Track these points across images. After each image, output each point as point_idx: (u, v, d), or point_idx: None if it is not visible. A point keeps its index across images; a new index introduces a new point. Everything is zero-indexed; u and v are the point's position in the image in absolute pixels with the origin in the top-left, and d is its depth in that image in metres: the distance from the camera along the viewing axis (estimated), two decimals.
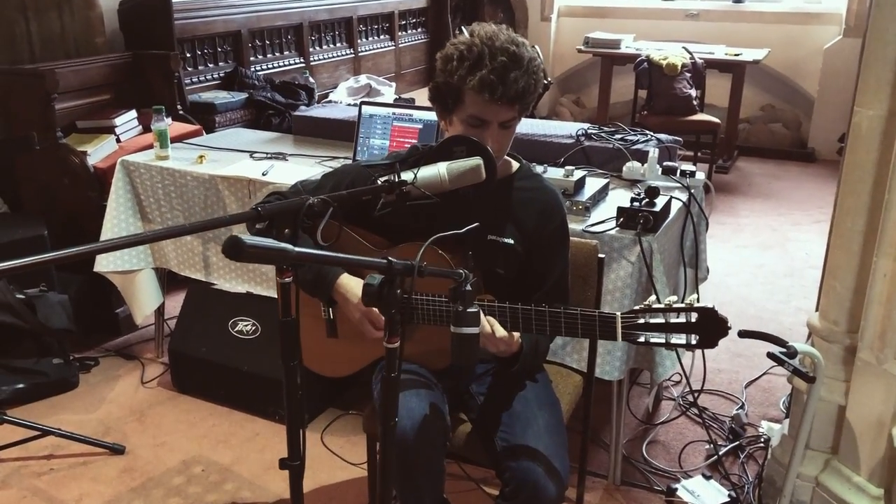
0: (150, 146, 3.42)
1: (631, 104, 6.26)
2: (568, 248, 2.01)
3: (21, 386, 3.01)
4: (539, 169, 2.51)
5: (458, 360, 1.54)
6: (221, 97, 4.27)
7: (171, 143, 3.18)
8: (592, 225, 2.41)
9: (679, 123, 5.64)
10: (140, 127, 3.76)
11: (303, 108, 3.92)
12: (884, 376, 2.02)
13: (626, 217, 2.36)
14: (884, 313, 2.00)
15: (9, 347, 3.05)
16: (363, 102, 3.07)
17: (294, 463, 1.50)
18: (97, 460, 2.71)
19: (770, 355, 1.77)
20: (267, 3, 4.88)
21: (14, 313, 2.97)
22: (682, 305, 1.60)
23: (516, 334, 1.69)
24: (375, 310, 1.81)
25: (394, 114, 2.98)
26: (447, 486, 1.94)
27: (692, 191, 2.70)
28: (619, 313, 1.65)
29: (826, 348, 2.18)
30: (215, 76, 4.53)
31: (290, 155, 3.17)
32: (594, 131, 3.11)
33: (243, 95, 4.38)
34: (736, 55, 6.11)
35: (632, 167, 2.82)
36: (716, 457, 2.68)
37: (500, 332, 1.68)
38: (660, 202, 2.41)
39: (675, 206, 2.57)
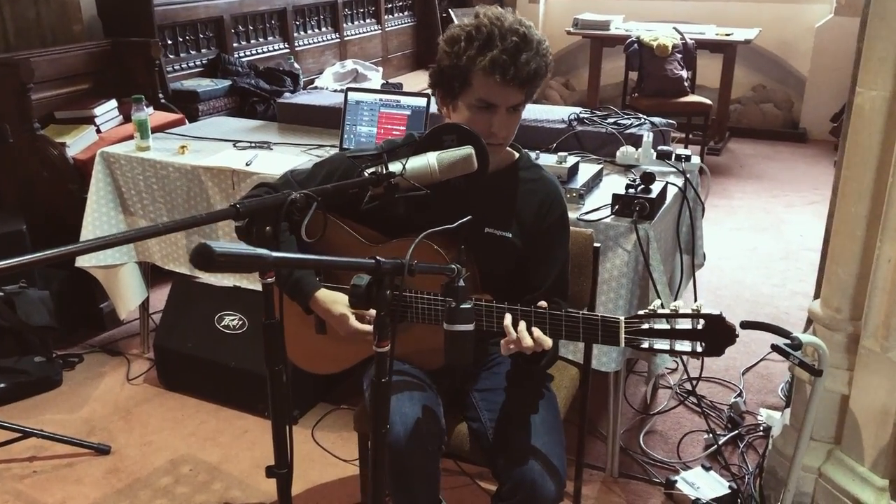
0: (132, 136, 3.34)
1: (621, 86, 6.18)
2: (568, 241, 1.94)
3: (2, 386, 2.93)
4: (532, 155, 2.43)
5: (451, 359, 1.48)
6: (204, 85, 4.17)
7: (154, 132, 3.09)
8: (587, 213, 2.35)
9: (670, 105, 5.57)
10: (121, 117, 3.66)
11: (287, 94, 3.83)
12: (889, 365, 1.97)
13: (621, 204, 2.30)
14: (888, 300, 1.94)
15: None
16: (349, 89, 2.99)
17: (281, 471, 1.43)
18: (82, 461, 2.64)
19: (775, 348, 1.72)
20: None
21: None
22: (689, 311, 1.53)
23: (548, 340, 1.61)
24: (350, 316, 1.76)
25: (381, 100, 2.90)
26: (441, 482, 1.88)
27: (688, 175, 2.64)
28: (622, 318, 1.58)
29: (828, 336, 2.12)
30: (198, 63, 4.42)
31: (275, 143, 3.09)
32: (586, 115, 3.03)
33: (227, 83, 4.28)
34: (727, 35, 6.04)
35: (626, 152, 2.75)
36: (715, 447, 2.63)
37: (528, 341, 1.59)
38: (655, 188, 2.35)
39: (672, 192, 2.50)
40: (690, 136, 6.00)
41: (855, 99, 1.99)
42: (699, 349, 1.54)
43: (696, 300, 2.64)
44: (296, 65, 4.96)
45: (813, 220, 4.86)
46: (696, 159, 2.73)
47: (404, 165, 1.54)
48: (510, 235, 1.85)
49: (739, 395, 2.95)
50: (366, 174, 1.53)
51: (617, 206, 2.30)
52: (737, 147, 6.54)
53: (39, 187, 3.38)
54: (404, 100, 2.87)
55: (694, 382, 2.85)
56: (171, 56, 4.27)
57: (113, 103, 3.65)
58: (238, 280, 2.95)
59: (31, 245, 3.19)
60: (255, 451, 2.68)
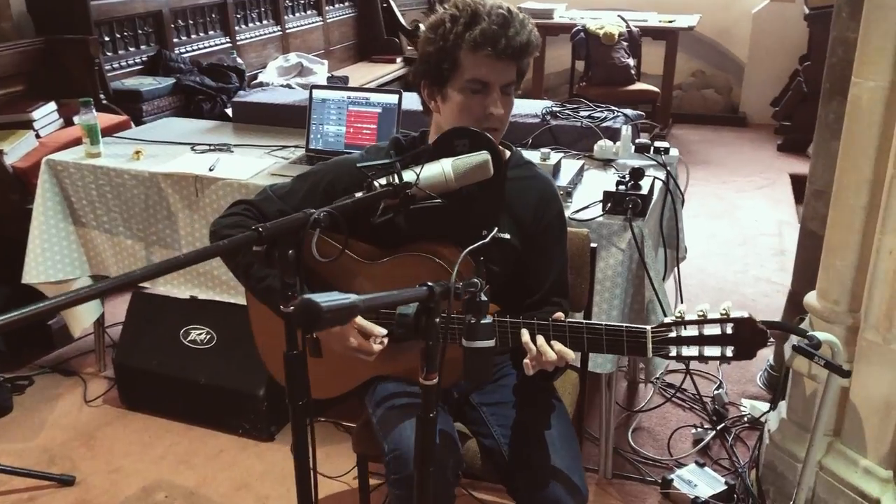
0: (75, 141, 3.14)
1: (564, 75, 6.16)
2: (566, 239, 1.87)
3: None
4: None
5: (471, 378, 1.39)
6: (147, 83, 3.95)
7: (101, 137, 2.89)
8: (577, 211, 2.28)
9: (619, 94, 5.57)
10: (61, 120, 3.42)
11: (241, 93, 3.65)
12: (892, 357, 1.96)
13: (613, 202, 2.24)
14: (890, 292, 1.93)
15: None
16: (314, 86, 2.85)
17: None
18: (44, 495, 2.45)
19: (798, 350, 1.68)
20: None
21: None
22: (718, 316, 1.47)
23: (570, 352, 1.53)
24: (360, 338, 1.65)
25: (349, 98, 2.77)
26: None
27: (668, 168, 2.60)
28: (649, 327, 1.51)
29: (826, 329, 2.10)
30: (137, 61, 4.19)
31: (235, 145, 2.93)
32: (558, 109, 2.97)
33: (170, 81, 4.06)
34: (670, 22, 6.08)
35: (603, 146, 2.70)
36: (704, 442, 2.62)
37: (551, 356, 1.51)
38: (645, 184, 2.30)
39: (656, 186, 2.46)
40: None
41: (851, 90, 1.97)
42: (729, 354, 1.49)
43: (679, 295, 2.63)
44: (238, 59, 4.76)
45: (764, 205, 4.93)
46: (674, 151, 2.69)
47: (418, 174, 1.43)
48: (508, 237, 1.77)
49: (720, 386, 2.94)
50: (376, 185, 1.42)
51: (609, 204, 2.24)
52: (681, 133, 6.60)
53: None
54: (374, 97, 2.75)
55: (684, 377, 2.82)
56: (109, 53, 4.02)
57: (52, 106, 3.41)
58: (194, 290, 2.79)
59: None
60: (233, 471, 2.54)
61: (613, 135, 2.79)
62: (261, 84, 4.79)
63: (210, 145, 2.91)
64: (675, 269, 2.67)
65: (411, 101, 2.89)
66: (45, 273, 2.83)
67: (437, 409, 1.18)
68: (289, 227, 1.14)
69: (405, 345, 1.75)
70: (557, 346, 1.51)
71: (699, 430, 2.68)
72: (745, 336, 1.47)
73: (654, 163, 2.62)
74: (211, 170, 2.64)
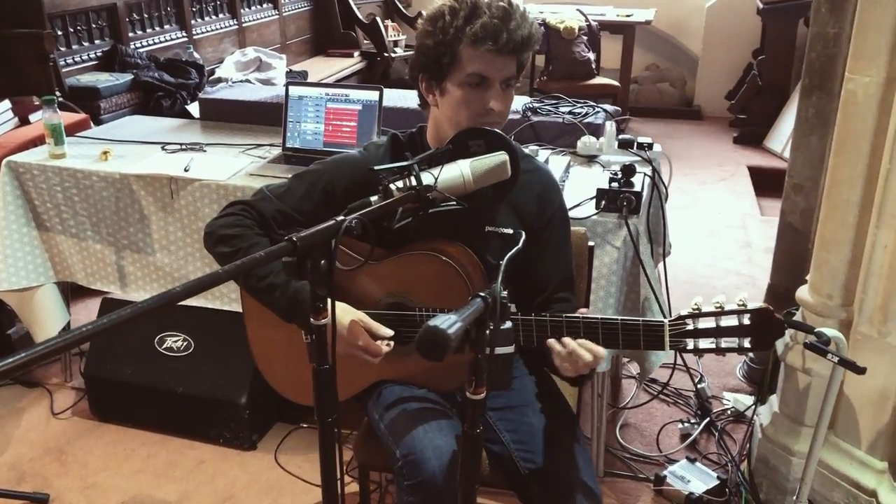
0: (33, 141, 3.00)
1: (526, 69, 6.14)
2: (570, 232, 1.84)
3: None
4: None
5: (491, 386, 1.34)
6: (104, 80, 3.80)
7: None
8: (569, 209, 2.25)
9: (580, 88, 5.56)
10: (16, 119, 3.26)
11: (207, 90, 3.53)
12: (887, 350, 1.98)
13: (607, 199, 2.22)
14: (885, 285, 1.95)
15: None
16: (289, 83, 2.76)
17: None
18: None
19: (811, 347, 1.68)
20: None
21: None
22: (735, 307, 1.47)
23: (602, 350, 1.50)
24: (361, 328, 1.60)
25: (327, 94, 2.69)
26: None
27: (653, 163, 2.59)
28: (666, 320, 1.50)
29: (819, 323, 2.11)
30: (92, 56, 4.02)
31: (208, 144, 2.83)
32: (538, 104, 2.94)
33: (128, 77, 3.91)
34: (627, 16, 6.11)
35: (587, 142, 2.68)
36: (693, 437, 2.63)
37: (587, 357, 1.47)
38: (637, 181, 2.28)
39: (646, 183, 2.45)
40: None
41: (846, 85, 1.98)
42: (747, 345, 1.49)
43: (666, 290, 2.63)
44: (196, 54, 4.62)
45: (727, 197, 4.99)
46: (657, 146, 2.69)
47: (436, 177, 1.38)
48: (511, 232, 1.74)
49: (702, 380, 2.95)
50: (393, 188, 1.36)
51: (603, 202, 2.22)
52: (638, 127, 6.64)
53: None
54: (353, 93, 2.68)
55: (671, 373, 2.81)
56: (63, 48, 3.85)
57: (6, 104, 3.24)
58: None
59: None
60: (216, 483, 2.46)
61: (595, 130, 2.77)
62: (219, 80, 4.66)
63: (182, 144, 2.80)
64: (662, 264, 2.67)
65: (392, 97, 2.86)
66: (8, 280, 2.69)
67: (477, 424, 1.13)
68: (322, 236, 1.07)
69: (409, 347, 1.70)
70: (588, 344, 1.48)
71: (686, 424, 2.69)
72: (763, 327, 1.47)
73: (638, 158, 2.61)
74: (186, 170, 2.54)
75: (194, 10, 4.85)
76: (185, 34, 4.74)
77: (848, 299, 2.08)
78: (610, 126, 2.67)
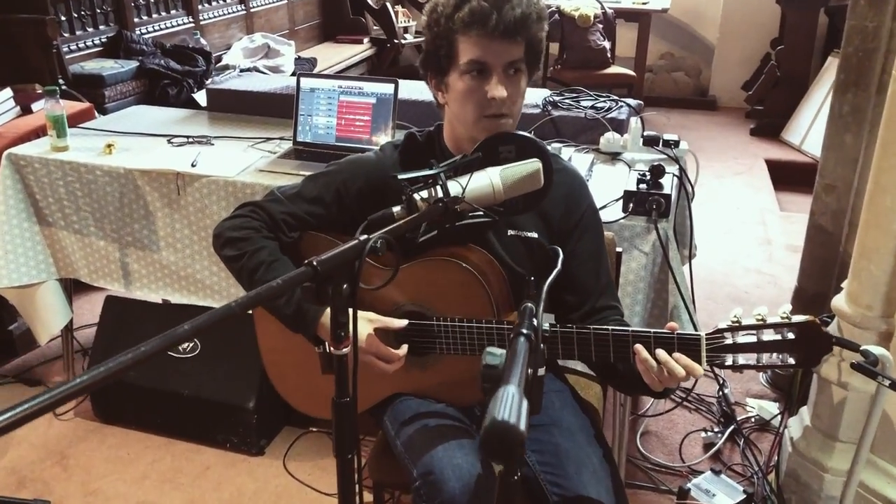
0: (35, 131, 2.91)
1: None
2: (603, 235, 1.74)
3: None
4: None
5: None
6: (109, 67, 3.69)
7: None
8: None
9: (595, 77, 5.45)
10: (18, 108, 3.15)
11: (215, 79, 3.43)
12: None
13: (635, 202, 2.11)
14: None
15: None
16: (301, 74, 2.65)
17: None
18: None
19: (858, 368, 1.58)
20: None
21: None
22: (778, 321, 1.36)
23: (698, 367, 1.39)
24: (378, 341, 1.51)
25: (340, 87, 2.58)
26: None
27: (680, 161, 2.49)
28: (703, 333, 1.40)
29: (857, 335, 2.02)
30: (96, 42, 3.91)
31: (215, 137, 2.72)
32: (558, 98, 2.82)
33: (133, 64, 3.81)
34: (643, 3, 5.97)
35: (611, 139, 2.57)
36: (716, 447, 2.53)
37: (679, 371, 1.36)
38: (666, 182, 2.17)
39: (674, 183, 2.34)
40: None
41: (891, 86, 1.86)
42: (791, 361, 1.38)
43: (692, 294, 2.53)
44: (202, 41, 4.51)
45: (745, 192, 4.87)
46: (684, 144, 2.58)
47: (464, 187, 1.28)
48: (536, 235, 1.64)
49: (724, 385, 2.85)
50: (417, 199, 1.26)
51: (630, 204, 2.11)
52: (652, 117, 6.50)
53: None
54: (367, 86, 2.57)
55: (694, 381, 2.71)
56: (66, 34, 3.74)
57: (7, 93, 3.14)
58: (174, 294, 2.60)
59: None
60: (222, 491, 2.37)
61: (618, 126, 2.66)
62: (226, 67, 4.55)
63: (188, 137, 2.70)
64: (687, 267, 2.56)
65: (408, 90, 2.75)
66: (9, 277, 2.60)
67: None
68: (344, 259, 0.97)
69: (427, 359, 1.61)
70: (685, 360, 1.37)
71: (710, 433, 2.59)
72: (809, 342, 1.37)
73: (663, 156, 2.50)
74: (193, 165, 2.43)
75: None
76: (191, 20, 4.62)
77: (889, 311, 1.98)
78: (635, 122, 2.56)
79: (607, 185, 2.30)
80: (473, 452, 1.51)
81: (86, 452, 2.53)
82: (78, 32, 3.82)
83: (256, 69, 4.64)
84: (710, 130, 6.15)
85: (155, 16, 4.35)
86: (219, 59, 4.64)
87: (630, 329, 1.44)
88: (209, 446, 2.54)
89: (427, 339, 1.58)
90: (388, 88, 2.53)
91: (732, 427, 2.62)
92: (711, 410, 2.75)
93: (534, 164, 1.33)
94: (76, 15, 3.80)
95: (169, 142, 2.67)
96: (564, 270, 1.60)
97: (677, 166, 2.44)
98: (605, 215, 2.13)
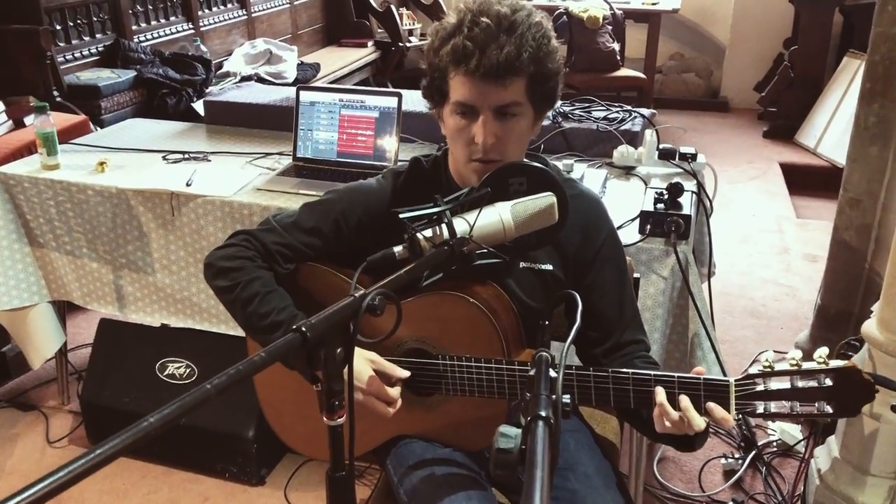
0: (27, 147, 2.81)
1: None
2: (626, 263, 1.62)
3: None
4: None
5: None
6: (105, 77, 3.59)
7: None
8: None
9: (604, 80, 5.34)
10: (10, 122, 3.06)
11: (213, 90, 3.33)
12: None
13: (652, 223, 1.99)
14: None
15: None
16: (300, 87, 2.55)
17: None
18: None
19: None
20: None
21: None
22: (814, 366, 1.25)
23: (729, 417, 1.28)
24: (378, 381, 1.40)
25: (341, 101, 2.47)
26: None
27: (697, 176, 2.37)
28: (732, 379, 1.29)
29: (890, 364, 1.90)
30: (93, 51, 3.81)
31: (212, 153, 2.62)
32: (567, 108, 2.71)
33: (131, 73, 3.71)
34: (653, 4, 5.84)
35: (625, 153, 2.45)
36: (738, 475, 2.42)
37: (698, 423, 1.26)
38: (685, 201, 2.06)
39: (692, 201, 2.22)
40: None
41: None
42: (829, 410, 1.27)
43: (712, 316, 2.41)
44: (203, 48, 4.41)
45: (759, 198, 4.75)
46: (701, 157, 2.46)
47: (472, 225, 1.17)
48: (550, 267, 1.53)
49: None
50: (420, 238, 1.15)
51: (648, 226, 2.00)
52: (663, 119, 6.34)
53: None
54: (369, 99, 2.46)
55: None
56: (62, 44, 3.64)
57: None
58: (169, 318, 2.49)
59: None
60: None
61: (632, 139, 2.54)
62: (227, 74, 4.45)
63: (184, 154, 2.59)
64: (707, 286, 2.44)
65: (412, 101, 2.64)
66: (0, 300, 2.51)
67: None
68: (337, 320, 0.87)
69: (432, 399, 1.51)
70: (719, 411, 1.26)
71: (730, 460, 2.48)
72: (848, 389, 1.25)
73: (680, 171, 2.39)
74: (188, 185, 2.33)
75: (201, 0, 4.63)
76: (191, 26, 4.52)
77: None
78: (650, 135, 2.44)
79: (622, 202, 2.19)
80: (481, 503, 1.40)
81: (79, 484, 2.42)
82: (74, 42, 3.72)
83: (258, 76, 4.54)
84: (722, 133, 6.02)
85: (154, 23, 4.25)
86: (219, 65, 4.54)
87: (652, 372, 1.33)
88: (208, 476, 2.44)
89: (432, 378, 1.48)
90: (391, 102, 2.42)
91: (753, 453, 2.50)
92: (731, 434, 2.63)
93: (547, 199, 1.21)
94: (72, 24, 3.70)
95: (164, 158, 2.57)
96: (585, 304, 1.49)
97: (695, 182, 2.32)
98: (620, 237, 2.02)
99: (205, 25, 4.65)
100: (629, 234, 2.02)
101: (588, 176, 2.26)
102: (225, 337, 2.42)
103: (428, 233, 1.16)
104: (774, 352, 3.11)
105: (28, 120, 3.02)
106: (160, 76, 3.78)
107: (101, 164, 2.47)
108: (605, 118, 2.63)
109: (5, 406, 2.79)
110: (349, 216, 1.53)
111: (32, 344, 2.62)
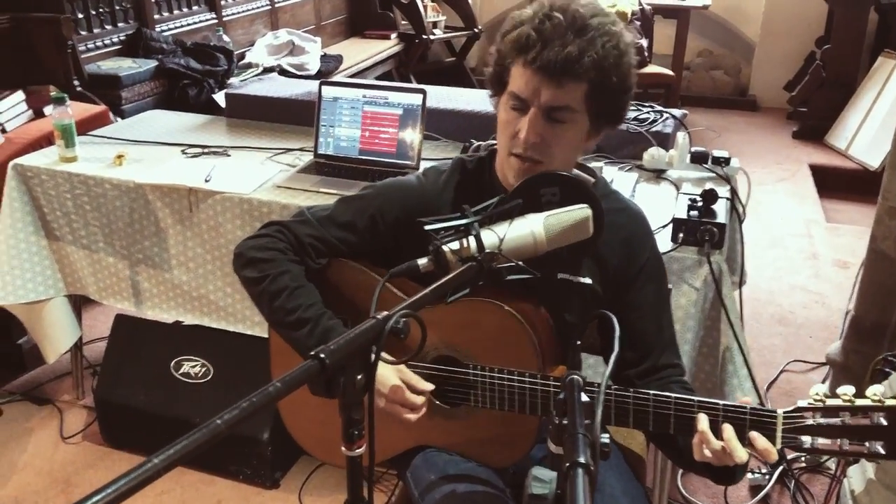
0: (47, 137, 2.78)
1: None
2: (667, 284, 1.55)
3: None
4: None
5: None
6: (126, 67, 3.55)
7: (77, 134, 2.51)
8: None
9: None
10: (30, 112, 3.02)
11: (235, 82, 3.28)
12: None
13: (685, 231, 1.92)
14: None
15: None
16: (323, 82, 2.49)
17: None
18: None
19: None
20: None
21: None
22: (868, 403, 1.18)
23: (773, 449, 1.21)
24: (404, 387, 1.35)
25: (364, 97, 2.41)
26: None
27: (731, 181, 2.29)
28: (780, 411, 1.22)
29: None
30: (115, 40, 3.77)
31: (232, 148, 2.57)
32: None
33: (152, 63, 3.66)
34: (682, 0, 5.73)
35: (655, 155, 2.38)
36: (765, 491, 2.34)
37: (741, 455, 1.19)
38: (719, 208, 1.98)
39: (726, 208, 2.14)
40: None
41: None
42: (880, 451, 1.20)
43: (742, 327, 2.33)
44: (225, 38, 4.35)
45: (788, 201, 4.64)
46: (735, 161, 2.38)
47: (501, 239, 1.10)
48: (590, 281, 1.46)
49: None
50: (447, 251, 1.09)
51: (681, 234, 1.92)
52: (691, 118, 6.25)
53: None
54: (393, 96, 2.40)
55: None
56: (83, 32, 3.60)
57: (19, 96, 3.01)
58: (185, 315, 2.45)
59: None
60: None
61: (663, 141, 2.47)
62: (249, 65, 4.40)
63: (203, 148, 2.54)
64: (738, 294, 2.37)
65: (437, 97, 2.58)
66: (15, 294, 2.47)
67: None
68: (358, 345, 0.81)
69: (458, 410, 1.45)
70: (762, 441, 1.20)
71: (757, 475, 2.40)
72: None
73: (712, 175, 2.31)
74: (207, 181, 2.28)
75: None
76: (214, 16, 4.47)
77: None
78: (682, 138, 2.37)
79: (653, 207, 2.11)
80: None
81: (92, 480, 2.40)
82: (95, 30, 3.67)
83: (280, 67, 4.49)
84: (751, 132, 5.90)
85: (176, 12, 4.20)
86: (242, 56, 4.49)
87: (696, 398, 1.26)
88: (220, 476, 2.40)
89: (460, 388, 1.42)
90: (415, 99, 2.36)
91: (782, 468, 2.43)
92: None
93: (582, 212, 1.15)
94: (94, 12, 3.66)
95: (183, 153, 2.52)
96: (623, 323, 1.43)
97: (728, 187, 2.24)
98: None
99: (228, 15, 4.59)
100: (661, 243, 1.93)
101: (618, 179, 2.19)
102: (241, 336, 2.37)
103: (455, 245, 1.10)
104: (803, 362, 3.03)
105: (48, 109, 2.98)
106: (182, 66, 3.74)
107: (119, 157, 2.43)
108: (635, 119, 2.55)
109: (20, 399, 2.77)
110: (386, 213, 1.49)
111: (48, 338, 2.59)
